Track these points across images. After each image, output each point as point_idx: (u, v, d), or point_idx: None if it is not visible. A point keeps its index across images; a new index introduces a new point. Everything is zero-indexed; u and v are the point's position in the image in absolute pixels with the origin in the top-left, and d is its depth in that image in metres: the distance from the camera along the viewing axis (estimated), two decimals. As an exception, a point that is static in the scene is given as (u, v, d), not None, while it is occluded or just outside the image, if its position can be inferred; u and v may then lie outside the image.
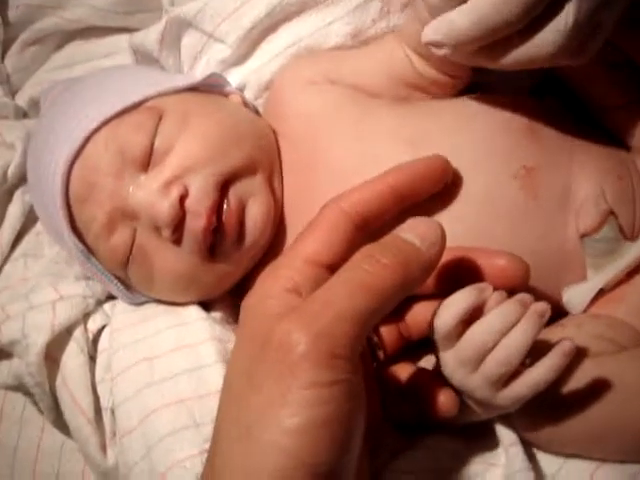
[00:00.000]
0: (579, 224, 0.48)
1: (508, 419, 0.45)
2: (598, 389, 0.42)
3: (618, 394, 0.42)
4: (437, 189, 0.45)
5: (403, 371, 0.44)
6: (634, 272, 0.48)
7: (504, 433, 0.45)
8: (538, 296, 0.46)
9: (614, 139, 0.52)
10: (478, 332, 0.39)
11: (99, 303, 0.56)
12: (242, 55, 0.56)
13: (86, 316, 0.54)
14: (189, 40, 0.57)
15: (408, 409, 0.42)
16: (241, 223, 0.49)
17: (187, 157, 0.48)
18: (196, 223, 0.47)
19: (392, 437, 0.46)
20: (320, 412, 0.32)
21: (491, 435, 0.46)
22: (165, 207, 0.47)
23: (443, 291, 0.41)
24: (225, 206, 0.48)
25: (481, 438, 0.46)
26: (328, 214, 0.40)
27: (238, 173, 0.49)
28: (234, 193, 0.49)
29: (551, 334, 0.46)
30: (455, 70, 0.51)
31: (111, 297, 0.56)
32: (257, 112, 0.57)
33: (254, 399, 0.33)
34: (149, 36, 0.58)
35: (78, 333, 0.53)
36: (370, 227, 0.40)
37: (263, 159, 0.51)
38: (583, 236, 0.48)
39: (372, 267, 0.35)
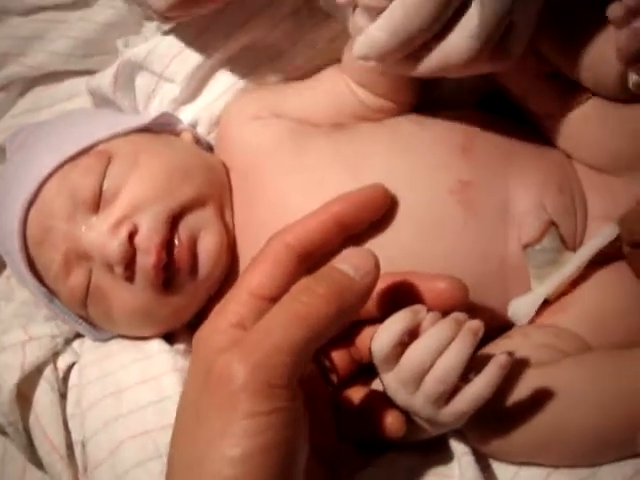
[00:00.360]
0: (521, 235, 0.49)
1: (460, 432, 0.46)
2: (542, 398, 0.43)
3: (561, 402, 0.43)
4: (377, 217, 0.47)
5: (356, 393, 0.45)
6: (578, 281, 0.49)
7: (457, 445, 0.46)
8: (484, 311, 0.48)
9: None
10: (415, 353, 0.40)
11: (68, 342, 0.57)
12: (191, 93, 0.58)
13: (55, 355, 0.56)
14: (142, 81, 0.59)
15: (361, 430, 0.44)
16: (194, 256, 0.50)
17: (136, 197, 0.50)
18: (146, 260, 0.49)
19: (351, 456, 0.47)
20: (259, 441, 0.33)
21: (445, 448, 0.47)
22: (115, 246, 0.48)
23: (387, 316, 0.42)
24: (176, 241, 0.50)
25: (436, 452, 0.47)
26: (272, 248, 0.41)
27: (187, 207, 0.51)
28: (184, 227, 0.50)
29: (497, 346, 0.47)
30: (399, 96, 0.53)
31: (79, 335, 0.58)
32: (210, 147, 0.59)
33: (200, 432, 0.34)
34: (103, 79, 0.60)
35: (48, 372, 0.55)
36: (313, 258, 0.42)
37: (213, 193, 0.52)
38: (526, 247, 0.49)
39: (308, 298, 0.36)
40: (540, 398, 0.43)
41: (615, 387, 0.44)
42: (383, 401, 0.43)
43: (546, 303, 0.50)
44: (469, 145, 0.51)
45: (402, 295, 0.43)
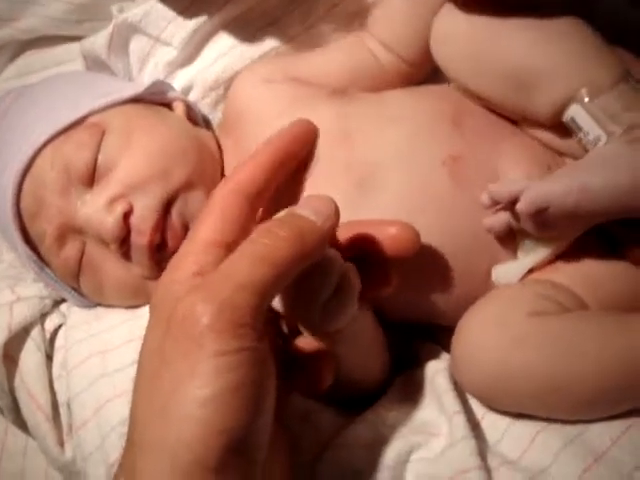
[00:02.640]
0: None
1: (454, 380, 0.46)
2: (541, 346, 0.44)
3: (560, 353, 0.43)
4: (307, 149, 0.49)
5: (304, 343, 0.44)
6: (565, 254, 0.49)
7: (448, 402, 0.46)
8: (471, 281, 0.49)
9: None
10: None
11: (56, 303, 0.57)
12: (188, 57, 0.57)
13: (43, 316, 0.56)
14: (136, 44, 0.59)
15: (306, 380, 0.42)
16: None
17: (130, 175, 0.50)
18: (140, 240, 0.49)
19: (335, 413, 0.47)
20: (229, 379, 0.33)
21: (434, 405, 0.47)
22: (110, 223, 0.49)
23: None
24: (168, 224, 0.50)
25: (424, 409, 0.47)
26: (217, 197, 0.41)
27: (181, 190, 0.51)
28: (177, 212, 0.50)
29: (496, 293, 0.48)
30: (416, 58, 0.53)
31: (67, 297, 0.57)
32: (204, 119, 0.59)
33: (165, 377, 0.34)
34: (98, 41, 0.59)
35: (35, 333, 0.54)
36: (262, 199, 0.43)
37: (206, 172, 0.53)
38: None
39: (270, 240, 0.36)
40: (539, 346, 0.44)
41: (616, 346, 0.44)
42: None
43: (529, 272, 0.50)
44: (459, 118, 0.51)
45: (358, 242, 0.43)
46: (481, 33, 0.49)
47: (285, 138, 0.47)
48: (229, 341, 0.33)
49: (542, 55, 0.47)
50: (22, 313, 0.54)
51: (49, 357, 0.54)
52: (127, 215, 0.49)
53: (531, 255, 0.49)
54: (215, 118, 0.60)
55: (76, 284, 0.53)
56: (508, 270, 0.50)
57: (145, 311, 0.52)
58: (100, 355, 0.50)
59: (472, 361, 0.45)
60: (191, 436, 0.32)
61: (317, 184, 0.50)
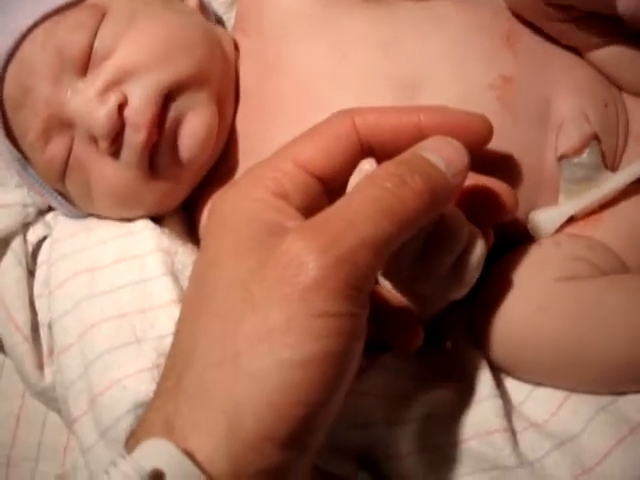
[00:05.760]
0: (558, 144, 0.44)
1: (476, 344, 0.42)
2: (568, 315, 0.40)
3: (587, 322, 0.40)
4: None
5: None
6: (606, 205, 0.45)
7: (467, 359, 0.42)
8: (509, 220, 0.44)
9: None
10: None
11: (40, 213, 0.51)
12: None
13: (25, 226, 0.50)
14: None
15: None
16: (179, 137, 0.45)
17: (128, 61, 0.44)
18: (136, 136, 0.43)
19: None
20: (326, 345, 0.28)
21: (456, 361, 0.43)
22: (102, 116, 0.42)
23: None
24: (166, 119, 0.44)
25: (445, 364, 0.43)
26: (337, 121, 0.35)
27: (184, 84, 0.44)
28: (175, 108, 0.44)
29: (525, 252, 0.43)
30: None
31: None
32: (217, 19, 0.53)
33: (249, 320, 0.28)
34: None
35: (16, 244, 0.49)
36: (367, 154, 0.35)
37: (214, 70, 0.46)
38: (562, 158, 0.44)
39: (399, 190, 0.30)
40: (566, 314, 0.40)
41: None
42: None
43: (570, 220, 0.45)
44: (514, 36, 0.46)
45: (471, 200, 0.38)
46: None
47: (451, 122, 0.36)
48: (339, 303, 0.28)
49: None
50: (2, 221, 0.49)
51: (31, 272, 0.49)
52: (122, 107, 0.43)
53: (574, 201, 0.45)
54: (230, 19, 0.53)
55: (62, 187, 0.48)
56: (546, 217, 0.45)
57: (137, 226, 0.47)
58: (87, 273, 0.45)
59: (495, 329, 0.42)
60: (264, 399, 0.27)
61: (355, 98, 0.44)
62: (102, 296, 0.44)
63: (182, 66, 0.45)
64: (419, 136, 0.35)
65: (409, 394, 0.41)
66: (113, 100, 0.43)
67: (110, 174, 0.45)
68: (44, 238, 0.50)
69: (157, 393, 0.31)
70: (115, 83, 0.43)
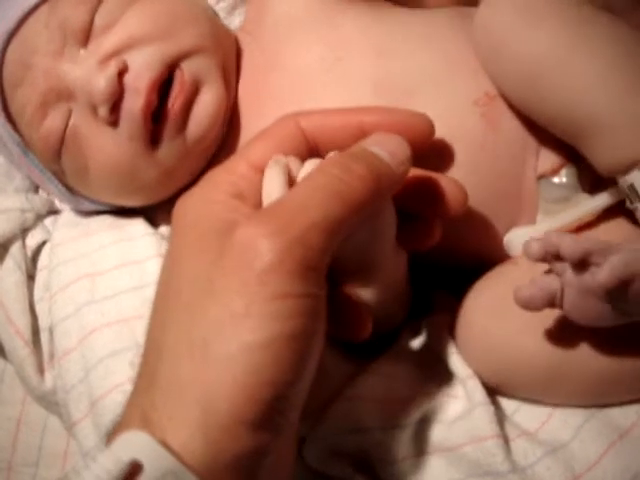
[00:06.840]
0: (539, 164, 0.44)
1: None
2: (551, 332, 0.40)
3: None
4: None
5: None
6: (584, 228, 0.44)
7: (459, 366, 0.43)
8: (490, 238, 0.45)
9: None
10: None
11: (39, 218, 0.52)
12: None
13: (25, 231, 0.51)
14: None
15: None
16: (188, 110, 0.44)
17: (131, 32, 0.44)
18: (135, 102, 0.43)
19: (345, 362, 0.44)
20: (287, 326, 0.29)
21: (445, 367, 0.43)
22: (101, 82, 0.42)
23: None
24: (175, 83, 0.44)
25: (435, 369, 0.44)
26: (283, 124, 0.37)
27: (189, 53, 0.44)
28: (188, 69, 0.44)
29: (501, 272, 0.44)
30: None
31: (53, 211, 0.52)
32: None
33: (213, 309, 0.30)
34: None
35: (15, 249, 0.50)
36: (315, 154, 0.37)
37: (217, 46, 0.46)
38: (540, 177, 0.44)
39: (346, 176, 0.32)
40: (546, 332, 0.40)
41: None
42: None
43: None
44: None
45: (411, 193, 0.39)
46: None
47: (393, 122, 0.38)
48: (296, 283, 0.29)
49: (615, 103, 0.39)
50: (0, 227, 0.49)
51: (30, 277, 0.50)
52: (122, 74, 0.43)
53: (548, 221, 0.44)
54: (231, 24, 0.53)
55: (58, 165, 0.47)
56: (519, 235, 0.44)
57: (137, 232, 0.48)
58: (88, 279, 0.46)
59: (476, 347, 0.43)
60: (233, 383, 0.28)
61: (340, 100, 0.44)
62: (103, 301, 0.44)
63: (185, 38, 0.45)
64: (362, 135, 0.36)
65: (404, 399, 0.41)
66: (113, 66, 0.43)
67: (109, 147, 0.45)
68: (43, 243, 0.51)
69: (134, 389, 0.32)
70: (117, 52, 0.43)
